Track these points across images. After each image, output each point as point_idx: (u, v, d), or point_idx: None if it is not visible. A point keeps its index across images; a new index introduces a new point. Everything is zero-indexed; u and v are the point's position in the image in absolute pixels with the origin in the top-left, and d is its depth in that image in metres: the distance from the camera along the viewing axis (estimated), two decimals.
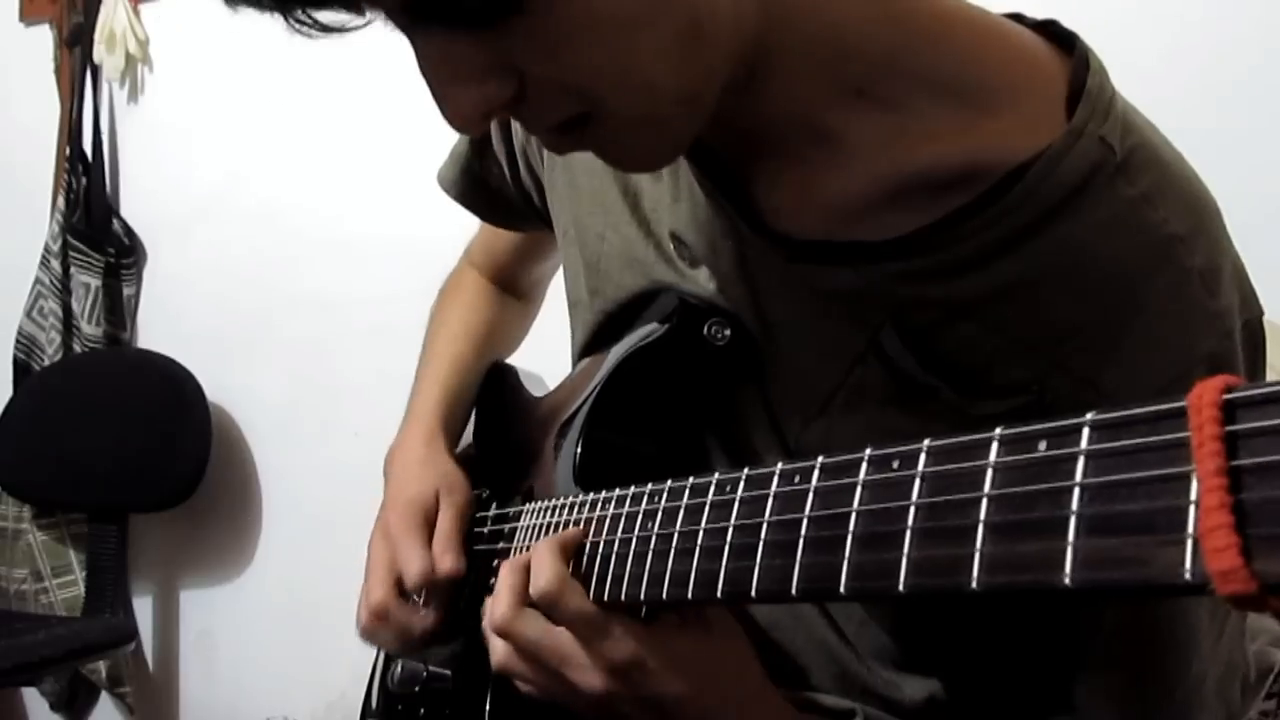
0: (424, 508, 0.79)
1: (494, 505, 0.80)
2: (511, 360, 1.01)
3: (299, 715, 1.81)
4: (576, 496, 0.64)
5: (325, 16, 0.50)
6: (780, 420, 0.65)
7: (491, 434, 0.91)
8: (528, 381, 0.94)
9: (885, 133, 0.58)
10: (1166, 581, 0.24)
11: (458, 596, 0.77)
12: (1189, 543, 0.23)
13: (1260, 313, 0.59)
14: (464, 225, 0.97)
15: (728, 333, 0.64)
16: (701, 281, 0.66)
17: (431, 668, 0.76)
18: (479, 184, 0.88)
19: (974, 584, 0.30)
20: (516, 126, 0.83)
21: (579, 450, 0.69)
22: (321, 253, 1.85)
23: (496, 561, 0.74)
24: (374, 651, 0.88)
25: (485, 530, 0.79)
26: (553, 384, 0.90)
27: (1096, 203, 0.55)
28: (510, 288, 0.99)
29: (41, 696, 2.05)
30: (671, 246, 0.67)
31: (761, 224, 0.63)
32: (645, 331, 0.68)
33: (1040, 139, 0.56)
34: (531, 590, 0.56)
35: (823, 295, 0.61)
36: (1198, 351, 0.55)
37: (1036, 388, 0.56)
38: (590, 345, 0.75)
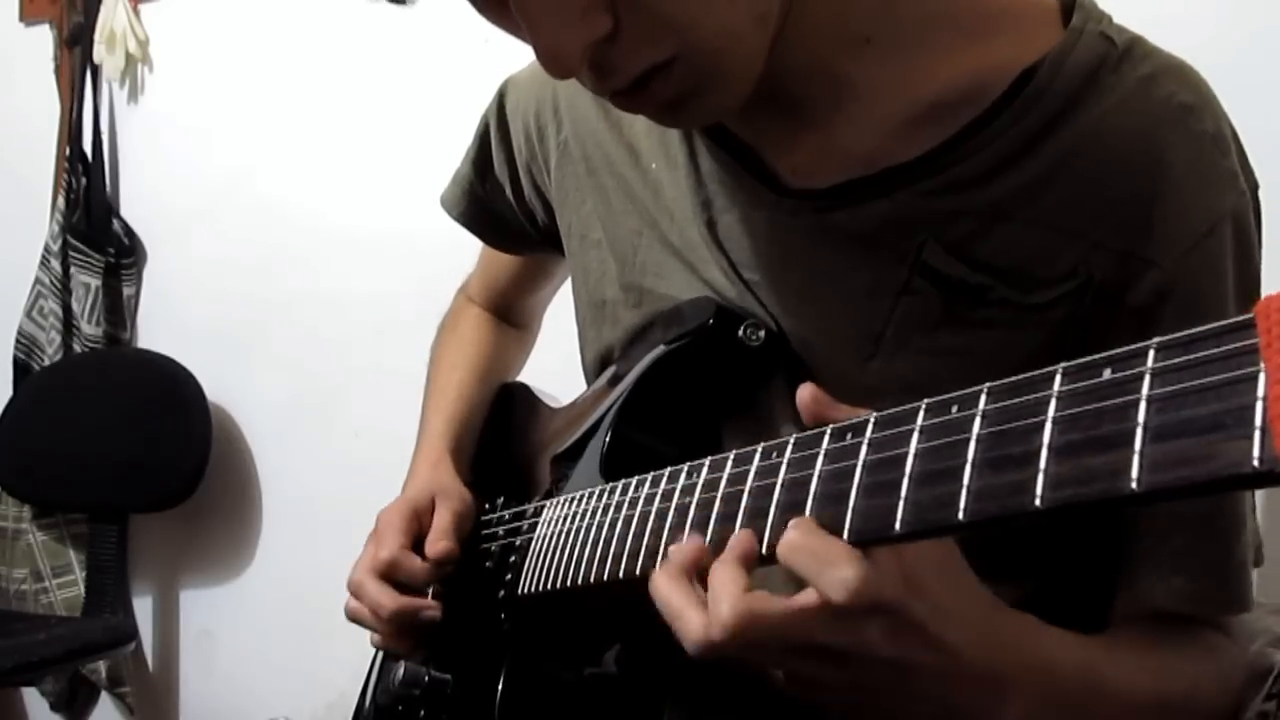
0: (415, 506, 0.79)
1: (512, 507, 0.80)
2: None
3: (299, 715, 1.81)
4: (604, 485, 0.65)
5: None
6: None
7: (505, 448, 0.91)
8: (543, 397, 0.95)
9: (895, 74, 0.61)
10: (1233, 472, 0.26)
11: (465, 597, 0.77)
12: (1257, 434, 0.26)
13: (1257, 184, 0.64)
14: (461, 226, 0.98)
15: (762, 334, 0.66)
16: (735, 264, 0.68)
17: (433, 672, 0.76)
18: (482, 206, 0.90)
19: (1038, 502, 0.32)
20: (519, 144, 0.84)
21: (608, 440, 0.70)
22: (322, 252, 1.86)
23: (514, 558, 0.75)
24: (372, 652, 0.88)
25: (500, 530, 0.79)
26: (562, 401, 0.90)
27: (1107, 88, 0.59)
28: (508, 317, 1.01)
29: (41, 696, 2.04)
30: (703, 232, 0.69)
31: (783, 188, 0.65)
32: (680, 333, 0.69)
33: (1042, 46, 0.60)
34: (836, 594, 0.44)
35: (858, 237, 0.63)
36: (1222, 206, 0.59)
37: (1083, 269, 0.60)
38: (626, 343, 0.76)
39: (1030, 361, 0.38)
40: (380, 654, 0.87)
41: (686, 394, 0.70)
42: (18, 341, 2.03)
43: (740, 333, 0.66)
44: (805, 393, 0.50)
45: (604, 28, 0.53)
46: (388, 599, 0.74)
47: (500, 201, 0.88)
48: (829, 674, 0.48)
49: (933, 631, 0.46)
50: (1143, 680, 0.58)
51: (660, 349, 0.70)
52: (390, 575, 0.75)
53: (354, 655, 0.94)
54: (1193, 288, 0.59)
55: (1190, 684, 0.61)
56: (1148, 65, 0.61)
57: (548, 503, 0.73)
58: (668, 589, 0.49)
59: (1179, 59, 0.62)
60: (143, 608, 2.02)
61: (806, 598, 0.45)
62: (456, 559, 0.77)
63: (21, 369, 2.02)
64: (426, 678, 0.76)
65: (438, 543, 0.76)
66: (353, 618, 0.78)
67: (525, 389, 0.97)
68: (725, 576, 0.47)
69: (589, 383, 0.83)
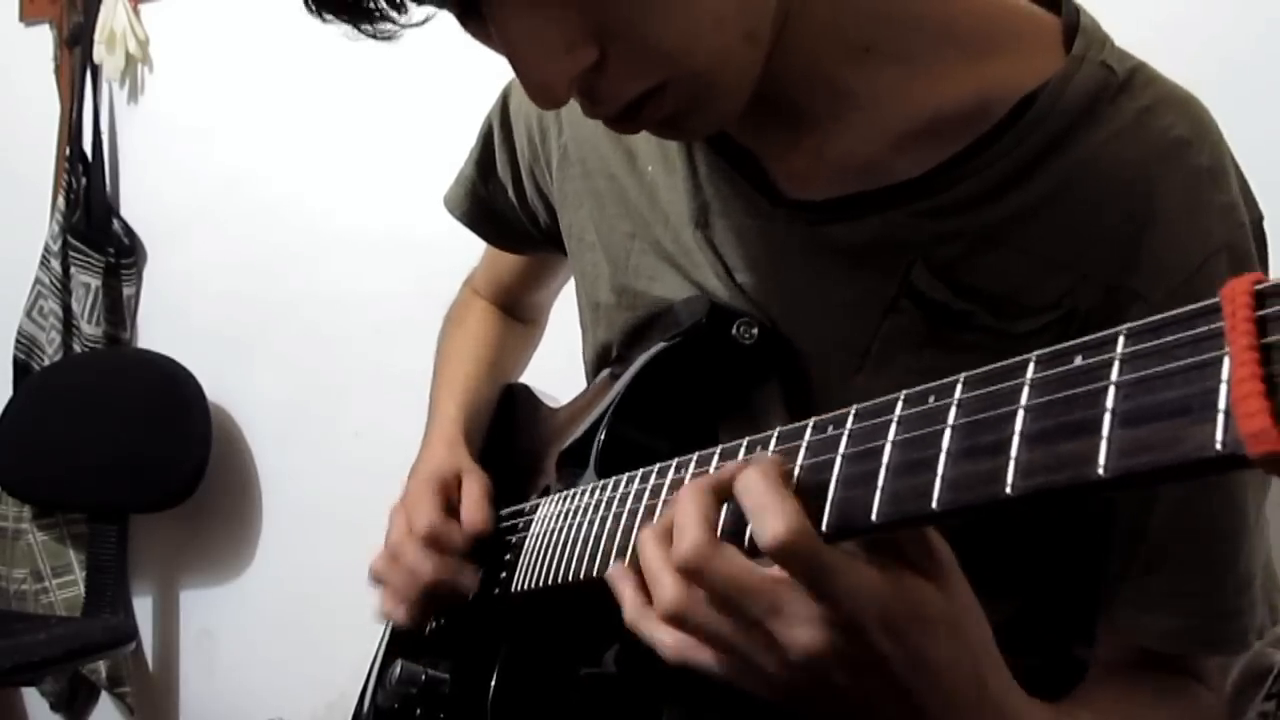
0: (443, 480, 0.79)
1: (509, 506, 0.80)
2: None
3: (299, 715, 1.81)
4: (598, 482, 0.65)
5: (386, 27, 0.52)
6: (812, 403, 0.66)
7: (506, 449, 0.91)
8: (543, 398, 0.95)
9: (894, 85, 0.61)
10: (1199, 456, 0.26)
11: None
12: (1220, 417, 0.25)
13: (1260, 216, 0.63)
14: (462, 226, 0.98)
15: (755, 332, 0.66)
16: (729, 269, 0.67)
17: (430, 671, 0.76)
18: (485, 207, 0.90)
19: (1009, 490, 0.32)
20: (522, 146, 0.84)
21: (602, 438, 0.71)
22: (322, 252, 1.86)
23: (509, 555, 0.74)
24: (372, 651, 0.88)
25: (498, 528, 0.79)
26: (562, 400, 0.90)
27: (1104, 119, 0.59)
28: (514, 312, 1.00)
29: (41, 696, 2.05)
30: (698, 237, 0.69)
31: (779, 197, 0.65)
32: (674, 332, 0.70)
33: (1043, 72, 0.59)
34: (762, 538, 0.43)
35: (849, 252, 0.63)
36: (1214, 241, 0.59)
37: (1069, 300, 0.59)
38: (623, 344, 0.76)
39: None
40: (380, 654, 0.87)
41: (681, 392, 0.70)
42: (18, 341, 2.03)
43: (733, 331, 0.66)
44: None
45: (590, 59, 0.53)
46: (430, 564, 0.74)
47: (503, 202, 0.88)
48: (779, 670, 0.46)
49: (899, 674, 0.45)
50: None
51: (654, 348, 0.70)
52: (432, 543, 0.75)
53: (354, 655, 0.94)
54: None
55: None
56: (1147, 96, 0.60)
57: (542, 501, 0.73)
58: (651, 546, 0.49)
59: (1181, 89, 0.61)
60: (143, 608, 2.03)
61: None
62: (491, 533, 0.76)
63: (21, 369, 2.03)
64: (424, 676, 0.77)
65: (475, 513, 0.76)
66: (379, 578, 0.77)
67: (526, 390, 0.97)
68: (691, 501, 0.46)
69: (589, 382, 0.83)
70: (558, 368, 0.95)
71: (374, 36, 0.53)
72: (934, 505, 0.35)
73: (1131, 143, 0.58)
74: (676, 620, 0.47)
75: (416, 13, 0.52)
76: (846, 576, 0.43)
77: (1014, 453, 0.32)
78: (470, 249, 1.00)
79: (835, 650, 0.44)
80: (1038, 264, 0.59)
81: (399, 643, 0.85)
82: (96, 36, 1.95)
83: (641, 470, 0.60)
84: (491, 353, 0.95)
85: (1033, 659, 0.63)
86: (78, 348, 1.99)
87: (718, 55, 0.54)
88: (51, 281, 1.99)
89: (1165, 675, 0.62)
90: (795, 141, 0.64)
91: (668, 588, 0.47)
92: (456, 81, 1.62)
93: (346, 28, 0.53)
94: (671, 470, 0.56)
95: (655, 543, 0.49)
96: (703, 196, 0.68)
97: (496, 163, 0.87)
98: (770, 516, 0.43)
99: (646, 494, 0.57)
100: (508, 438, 0.92)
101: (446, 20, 0.56)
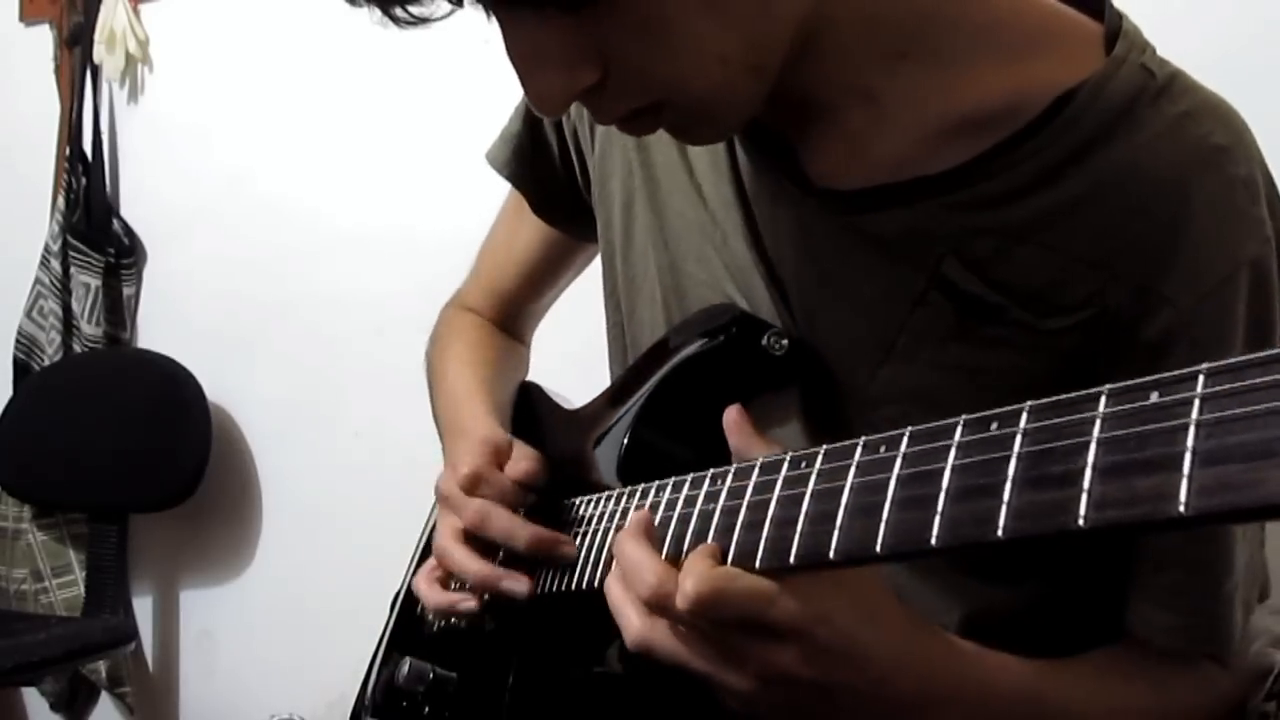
0: (495, 443, 0.73)
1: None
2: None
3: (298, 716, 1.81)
4: (622, 488, 0.64)
5: (419, 9, 0.52)
6: (833, 404, 0.67)
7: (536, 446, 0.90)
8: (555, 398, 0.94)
9: (928, 87, 0.61)
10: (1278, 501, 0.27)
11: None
12: None
13: None
14: (463, 225, 0.97)
15: (785, 343, 0.66)
16: (765, 256, 0.68)
17: (438, 669, 0.76)
18: (530, 165, 0.88)
19: (1081, 522, 0.32)
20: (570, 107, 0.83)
21: (626, 441, 0.70)
22: (322, 253, 1.86)
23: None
24: (372, 651, 0.88)
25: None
26: (569, 399, 0.90)
27: (1143, 121, 0.59)
28: (507, 326, 0.97)
29: (41, 696, 2.04)
30: (739, 219, 0.69)
31: (810, 185, 0.65)
32: (703, 339, 0.69)
33: (1082, 73, 0.59)
34: (682, 604, 0.49)
35: (880, 242, 0.63)
36: (1243, 255, 0.59)
37: (1099, 300, 0.60)
38: (666, 322, 0.75)
39: (1036, 386, 0.38)
40: (380, 651, 0.87)
41: (706, 400, 0.70)
42: (18, 341, 2.02)
43: (763, 341, 0.66)
44: (731, 414, 0.56)
45: (590, 80, 0.54)
46: (474, 564, 0.69)
47: (549, 161, 0.86)
48: (753, 690, 0.51)
49: (848, 654, 0.50)
50: (1098, 703, 0.60)
51: (681, 354, 0.71)
52: (473, 489, 0.70)
53: (354, 655, 0.94)
54: (1204, 332, 0.59)
55: (1161, 706, 0.63)
56: (1186, 101, 0.60)
57: (563, 503, 0.72)
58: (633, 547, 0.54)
59: (1219, 97, 0.62)
60: (143, 608, 2.02)
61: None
62: (542, 483, 0.72)
63: (21, 369, 2.02)
64: (431, 675, 0.76)
65: (519, 461, 0.71)
66: (446, 507, 0.73)
67: (540, 389, 0.96)
68: (633, 551, 0.53)
69: (611, 368, 0.83)
70: (573, 355, 0.95)
71: (407, 22, 0.54)
72: (999, 533, 0.36)
73: (1169, 147, 0.59)
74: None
75: None
76: (775, 606, 0.48)
77: (1086, 484, 0.33)
78: (469, 250, 0.99)
79: (788, 659, 0.49)
80: (1070, 263, 0.59)
81: (402, 640, 0.85)
82: (96, 36, 1.94)
83: (674, 480, 0.59)
84: (497, 359, 0.93)
85: (1050, 651, 0.64)
86: (78, 348, 1.99)
87: (719, 88, 0.56)
88: (51, 281, 1.98)
89: (1156, 659, 0.63)
90: (826, 138, 0.64)
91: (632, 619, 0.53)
92: (456, 82, 1.63)
93: (376, 15, 0.54)
94: (706, 482, 0.56)
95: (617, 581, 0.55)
96: (741, 180, 0.68)
97: (545, 120, 0.85)
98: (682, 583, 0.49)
99: (680, 503, 0.57)
100: (529, 438, 0.92)
101: (448, 20, 0.57)
